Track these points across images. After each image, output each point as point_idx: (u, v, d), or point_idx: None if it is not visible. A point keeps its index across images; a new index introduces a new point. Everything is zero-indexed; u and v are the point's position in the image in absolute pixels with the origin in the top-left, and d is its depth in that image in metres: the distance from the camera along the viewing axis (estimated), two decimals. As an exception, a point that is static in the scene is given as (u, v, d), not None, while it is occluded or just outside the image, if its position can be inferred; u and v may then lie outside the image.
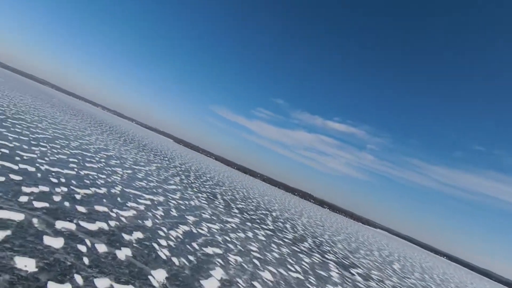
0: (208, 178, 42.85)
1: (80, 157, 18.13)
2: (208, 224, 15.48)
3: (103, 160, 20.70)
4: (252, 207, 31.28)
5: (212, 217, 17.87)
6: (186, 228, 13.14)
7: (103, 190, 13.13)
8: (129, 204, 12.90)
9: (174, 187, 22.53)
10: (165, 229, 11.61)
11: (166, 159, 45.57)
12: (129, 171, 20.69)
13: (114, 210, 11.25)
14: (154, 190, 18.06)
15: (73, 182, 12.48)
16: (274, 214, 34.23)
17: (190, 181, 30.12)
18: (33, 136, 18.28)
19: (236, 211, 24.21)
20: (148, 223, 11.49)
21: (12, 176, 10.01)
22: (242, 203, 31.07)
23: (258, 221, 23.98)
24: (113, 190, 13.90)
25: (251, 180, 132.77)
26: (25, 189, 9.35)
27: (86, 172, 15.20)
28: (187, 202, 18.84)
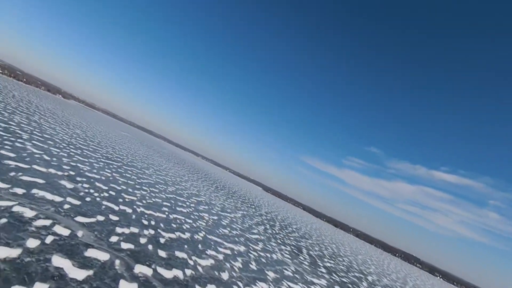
0: (294, 229, 40.69)
1: (173, 201, 19.50)
2: (289, 284, 13.77)
3: (193, 205, 21.83)
4: (342, 267, 27.49)
5: (295, 275, 16.02)
6: (265, 286, 11.85)
7: (186, 235, 13.32)
8: (209, 252, 12.60)
9: (257, 236, 21.74)
10: (241, 285, 10.64)
11: (253, 206, 45.90)
12: (215, 217, 21.09)
13: (193, 257, 11.03)
14: (236, 239, 17.61)
15: (161, 225, 13.08)
16: (369, 278, 29.15)
17: (274, 231, 28.91)
18: (139, 181, 20.83)
19: (324, 270, 21.45)
20: (225, 275, 10.78)
21: (111, 216, 11.03)
22: (331, 261, 27.68)
23: (349, 285, 20.52)
24: (196, 236, 14.00)
25: (342, 234, 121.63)
26: (118, 229, 10.05)
27: (175, 216, 15.98)
28: (268, 255, 17.61)
